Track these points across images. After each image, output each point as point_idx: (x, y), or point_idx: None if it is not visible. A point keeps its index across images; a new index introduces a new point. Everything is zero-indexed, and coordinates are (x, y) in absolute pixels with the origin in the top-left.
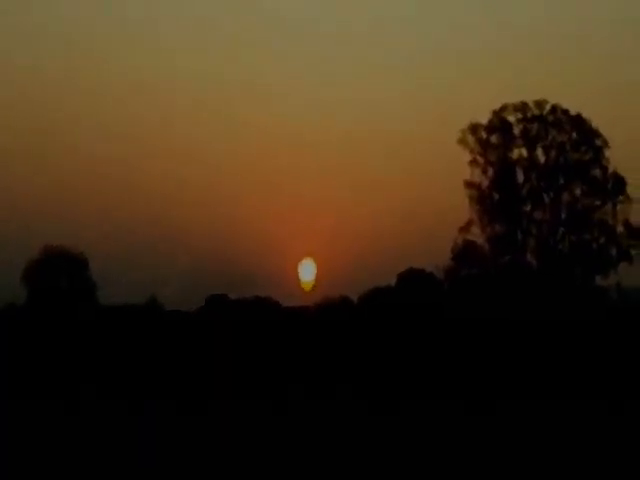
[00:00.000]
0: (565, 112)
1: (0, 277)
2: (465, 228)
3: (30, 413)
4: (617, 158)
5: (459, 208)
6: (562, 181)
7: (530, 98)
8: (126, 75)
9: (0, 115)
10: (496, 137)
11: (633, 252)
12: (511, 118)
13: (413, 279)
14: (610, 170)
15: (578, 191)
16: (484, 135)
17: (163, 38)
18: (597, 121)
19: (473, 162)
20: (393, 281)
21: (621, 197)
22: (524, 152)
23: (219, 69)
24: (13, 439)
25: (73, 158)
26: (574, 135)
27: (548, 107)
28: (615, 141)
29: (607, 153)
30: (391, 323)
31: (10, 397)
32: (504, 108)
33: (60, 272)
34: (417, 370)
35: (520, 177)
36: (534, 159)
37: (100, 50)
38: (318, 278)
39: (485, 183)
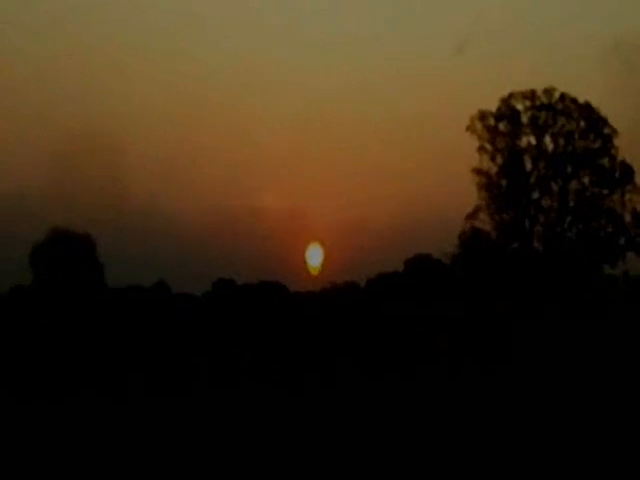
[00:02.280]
0: (574, 100)
1: (7, 260)
2: (473, 215)
3: (36, 395)
4: (626, 147)
5: (467, 195)
6: (570, 169)
7: (539, 86)
8: (129, 67)
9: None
10: (504, 125)
11: None
12: (519, 106)
13: (420, 265)
14: (618, 159)
15: (586, 179)
16: (492, 122)
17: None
18: (606, 110)
19: (481, 149)
20: (400, 267)
21: (629, 186)
22: (532, 140)
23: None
24: (18, 422)
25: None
26: (582, 123)
27: (557, 95)
28: (624, 130)
29: (616, 142)
30: (398, 308)
31: (15, 379)
32: (512, 96)
33: (67, 254)
34: (420, 356)
35: (528, 165)
36: (542, 147)
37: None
38: (325, 263)
39: (493, 170)
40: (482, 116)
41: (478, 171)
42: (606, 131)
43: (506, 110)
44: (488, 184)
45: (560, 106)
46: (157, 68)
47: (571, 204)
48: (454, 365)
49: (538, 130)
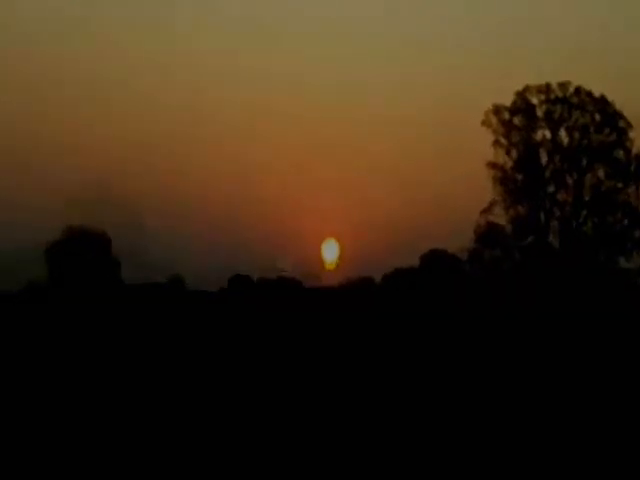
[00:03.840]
0: (589, 94)
1: (23, 258)
2: (488, 209)
3: (48, 392)
4: None
5: (483, 189)
6: (585, 163)
7: (553, 80)
8: (145, 63)
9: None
10: (519, 119)
11: None
12: (534, 100)
13: (436, 260)
14: (633, 152)
15: (601, 173)
16: (507, 116)
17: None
18: (621, 103)
19: (496, 143)
20: (416, 262)
21: None
22: (547, 134)
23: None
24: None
25: (95, 138)
26: (597, 117)
27: (572, 89)
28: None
29: (631, 135)
30: (414, 304)
31: (28, 377)
32: (527, 90)
33: (83, 252)
34: (437, 355)
35: (543, 159)
36: (557, 141)
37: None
38: (341, 258)
39: (508, 164)
40: (497, 110)
41: (493, 165)
42: (621, 124)
43: (521, 104)
44: (503, 178)
45: (575, 99)
46: (163, 69)
47: (586, 198)
48: (469, 362)
49: (553, 124)
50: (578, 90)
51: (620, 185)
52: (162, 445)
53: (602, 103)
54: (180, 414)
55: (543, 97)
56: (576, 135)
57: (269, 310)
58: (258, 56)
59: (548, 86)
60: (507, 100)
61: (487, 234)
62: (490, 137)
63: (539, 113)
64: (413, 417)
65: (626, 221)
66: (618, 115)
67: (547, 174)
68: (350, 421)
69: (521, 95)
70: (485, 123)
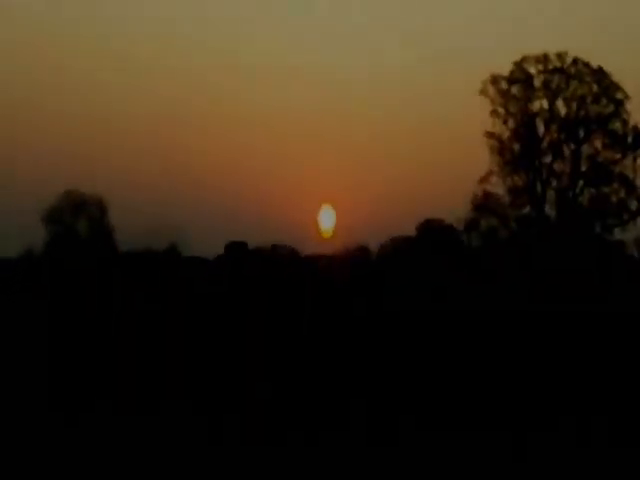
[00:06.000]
0: (586, 64)
1: (20, 223)
2: (485, 179)
3: (46, 363)
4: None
5: (480, 159)
6: (582, 134)
7: (551, 50)
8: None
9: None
10: (517, 88)
11: None
12: (532, 70)
13: (432, 229)
14: (631, 123)
15: (598, 144)
16: (505, 86)
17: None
18: (618, 74)
19: (494, 113)
20: (413, 231)
21: None
22: (545, 104)
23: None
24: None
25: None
26: (595, 88)
27: (569, 59)
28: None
29: (628, 106)
30: (411, 274)
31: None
32: (525, 59)
33: (79, 217)
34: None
35: (540, 129)
36: (555, 111)
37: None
38: (338, 226)
39: (506, 134)
40: (495, 80)
41: (490, 135)
42: (618, 96)
43: (519, 74)
44: (500, 148)
45: (573, 70)
46: (167, 59)
47: (583, 168)
48: (465, 332)
49: (551, 94)
50: (576, 61)
51: (617, 156)
52: (156, 412)
53: (600, 74)
54: (176, 383)
55: (541, 67)
56: (573, 106)
57: (265, 278)
58: (260, 42)
59: (546, 56)
60: (505, 70)
61: (484, 203)
62: (488, 107)
63: (537, 83)
64: (407, 389)
65: (623, 192)
66: (615, 86)
67: (544, 144)
68: (347, 391)
69: (519, 65)
70: (483, 92)
